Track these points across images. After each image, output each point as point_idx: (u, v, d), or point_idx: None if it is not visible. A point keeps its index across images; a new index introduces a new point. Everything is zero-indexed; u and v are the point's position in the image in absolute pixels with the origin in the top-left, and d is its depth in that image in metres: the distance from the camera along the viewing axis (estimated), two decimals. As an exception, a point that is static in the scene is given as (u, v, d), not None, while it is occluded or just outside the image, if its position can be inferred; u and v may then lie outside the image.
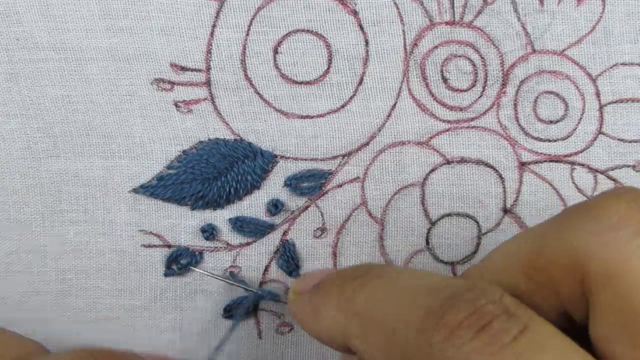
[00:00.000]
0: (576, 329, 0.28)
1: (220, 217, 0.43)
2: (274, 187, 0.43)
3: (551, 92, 0.42)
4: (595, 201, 0.28)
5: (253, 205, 0.43)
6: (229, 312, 0.44)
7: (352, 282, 0.32)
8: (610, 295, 0.27)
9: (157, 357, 0.44)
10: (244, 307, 0.43)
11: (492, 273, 0.31)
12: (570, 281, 0.28)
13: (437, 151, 0.42)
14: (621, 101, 0.42)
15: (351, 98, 0.42)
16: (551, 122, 0.42)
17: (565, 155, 0.42)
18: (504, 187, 0.42)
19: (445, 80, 0.42)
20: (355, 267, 0.33)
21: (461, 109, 0.42)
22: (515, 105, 0.42)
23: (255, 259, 0.43)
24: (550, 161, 0.42)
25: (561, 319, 0.29)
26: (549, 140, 0.42)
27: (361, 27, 0.41)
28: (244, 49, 0.41)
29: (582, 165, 0.42)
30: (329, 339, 0.32)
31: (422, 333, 0.28)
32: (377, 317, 0.30)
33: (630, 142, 0.42)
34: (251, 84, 0.41)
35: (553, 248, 0.28)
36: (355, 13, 0.41)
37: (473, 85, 0.42)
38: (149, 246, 0.43)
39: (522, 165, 0.42)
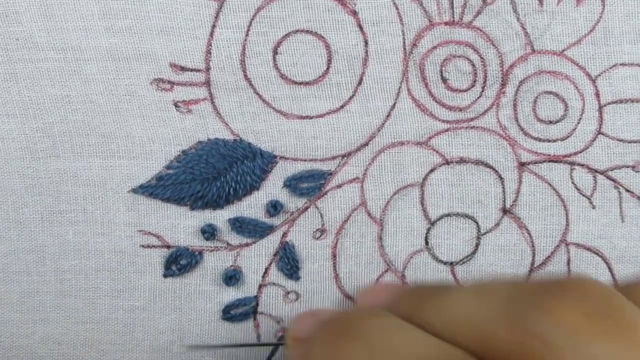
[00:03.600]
0: None
1: (220, 218, 0.43)
2: (273, 187, 0.43)
3: (551, 93, 0.42)
4: (547, 302, 0.29)
5: (252, 206, 0.43)
6: (228, 313, 0.43)
7: (337, 341, 0.32)
8: None
9: None
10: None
11: (449, 327, 0.31)
12: None
13: (437, 151, 0.42)
14: (621, 102, 0.41)
15: (350, 98, 0.42)
16: (551, 122, 0.42)
17: (565, 156, 0.42)
18: (503, 187, 0.42)
19: (444, 80, 0.42)
20: (340, 319, 0.33)
21: (460, 109, 0.42)
22: (515, 105, 0.42)
23: (255, 260, 0.43)
24: (550, 161, 0.42)
25: None
26: (549, 141, 0.42)
27: (360, 27, 0.41)
28: (244, 49, 0.41)
29: (582, 165, 0.42)
30: None
31: None
32: None
33: (629, 142, 0.42)
34: (251, 84, 0.41)
35: (503, 338, 0.29)
36: (354, 13, 0.41)
37: (472, 86, 0.42)
38: (148, 246, 0.43)
39: (522, 165, 0.42)
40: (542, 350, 0.28)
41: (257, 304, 0.44)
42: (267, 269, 0.43)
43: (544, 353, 0.28)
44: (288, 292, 0.44)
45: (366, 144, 0.42)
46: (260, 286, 0.43)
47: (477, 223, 0.43)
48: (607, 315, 0.28)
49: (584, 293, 0.29)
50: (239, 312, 0.44)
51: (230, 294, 0.43)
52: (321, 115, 0.42)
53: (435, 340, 0.31)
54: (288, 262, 0.43)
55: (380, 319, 0.33)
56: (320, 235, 0.43)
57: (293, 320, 0.38)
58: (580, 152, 0.42)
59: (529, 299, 0.29)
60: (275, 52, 0.41)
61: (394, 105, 0.42)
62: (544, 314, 0.28)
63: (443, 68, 0.41)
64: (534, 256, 0.43)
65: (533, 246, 0.43)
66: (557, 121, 0.42)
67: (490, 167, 0.42)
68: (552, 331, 0.28)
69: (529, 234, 0.43)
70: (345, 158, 0.42)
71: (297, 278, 0.43)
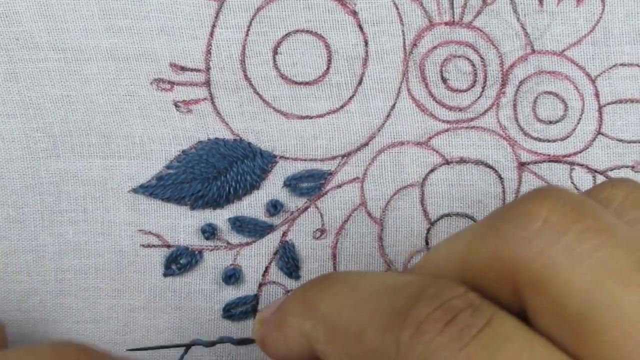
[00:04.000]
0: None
1: (220, 217, 0.43)
2: (273, 187, 0.43)
3: (550, 93, 0.42)
4: (521, 205, 0.28)
5: (252, 206, 0.43)
6: (228, 311, 0.44)
7: (314, 288, 0.31)
8: (542, 300, 0.27)
9: None
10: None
11: (434, 272, 0.30)
12: (504, 286, 0.28)
13: (437, 151, 0.42)
14: (620, 102, 0.42)
15: (350, 98, 0.42)
16: (550, 122, 0.42)
17: (565, 156, 0.42)
18: (503, 187, 0.42)
19: (444, 80, 0.42)
20: (316, 277, 0.33)
21: (460, 109, 0.42)
22: (515, 105, 0.42)
23: (255, 260, 0.43)
24: (550, 161, 0.42)
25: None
26: (548, 141, 0.42)
27: (360, 28, 0.41)
28: (244, 49, 0.41)
29: (581, 165, 0.42)
30: (298, 351, 0.32)
31: (388, 332, 0.28)
32: (342, 321, 0.30)
33: (629, 142, 0.42)
34: (251, 84, 0.42)
35: (482, 256, 0.28)
36: (354, 13, 0.41)
37: (472, 86, 0.42)
38: (148, 246, 0.43)
39: (522, 165, 0.42)
40: (533, 255, 0.27)
41: (257, 303, 0.44)
42: (267, 268, 0.43)
43: (536, 259, 0.27)
44: (288, 291, 0.44)
45: (366, 144, 0.42)
46: (260, 285, 0.44)
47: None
48: (587, 215, 0.27)
49: (559, 197, 0.28)
50: (239, 310, 0.44)
51: (231, 293, 0.44)
52: (321, 115, 0.42)
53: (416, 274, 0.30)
54: (288, 261, 0.43)
55: (355, 271, 0.32)
56: (321, 235, 0.43)
57: (259, 312, 0.38)
58: (580, 152, 0.42)
59: (508, 213, 0.28)
60: (275, 52, 0.41)
61: (394, 105, 0.42)
62: (528, 218, 0.27)
63: (443, 68, 0.42)
64: (533, 256, 0.43)
65: (533, 246, 0.43)
66: (557, 121, 0.42)
67: (490, 167, 0.42)
68: (539, 234, 0.27)
69: (528, 234, 0.43)
70: (345, 158, 0.42)
71: (297, 277, 0.43)
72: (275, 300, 0.35)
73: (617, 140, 0.42)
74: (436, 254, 0.31)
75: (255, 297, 0.44)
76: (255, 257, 0.43)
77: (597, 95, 0.42)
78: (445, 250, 0.30)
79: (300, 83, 0.42)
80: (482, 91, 0.42)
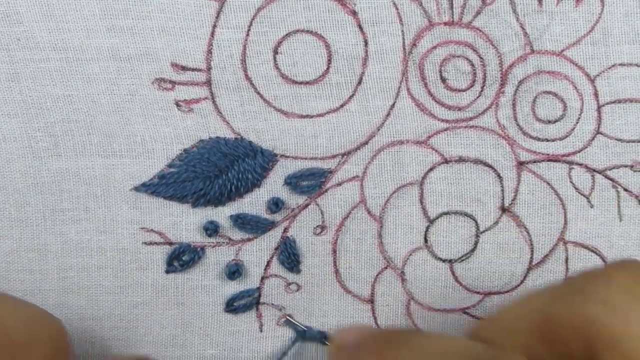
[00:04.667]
0: None
1: (222, 214, 0.43)
2: (274, 185, 0.43)
3: (550, 92, 0.42)
4: (606, 272, 0.31)
5: (254, 203, 0.43)
6: (231, 305, 0.44)
7: (387, 344, 0.34)
8: (615, 357, 0.29)
9: None
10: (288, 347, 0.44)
11: (505, 333, 0.33)
12: (580, 343, 0.30)
13: (436, 150, 0.42)
14: (619, 101, 0.42)
15: (350, 98, 0.42)
16: (549, 121, 0.42)
17: (563, 155, 0.42)
18: (502, 186, 0.43)
19: (443, 80, 0.42)
20: (390, 332, 0.35)
21: (460, 109, 0.42)
22: (514, 105, 0.42)
23: (257, 255, 0.44)
24: (549, 160, 0.42)
25: None
26: (547, 140, 0.42)
27: (360, 28, 0.41)
28: (245, 49, 0.41)
29: (580, 164, 0.42)
30: None
31: None
32: None
33: (628, 142, 0.42)
34: (251, 83, 0.42)
35: (564, 313, 0.31)
36: (354, 13, 0.41)
37: (472, 85, 0.42)
38: (151, 243, 0.43)
39: (520, 164, 0.42)
40: (613, 316, 0.30)
41: (259, 295, 0.44)
42: (268, 262, 0.44)
43: (616, 321, 0.30)
44: (289, 283, 0.44)
45: (366, 143, 0.43)
46: (262, 278, 0.44)
47: (476, 221, 0.43)
48: None
49: (632, 268, 0.31)
50: (242, 303, 0.44)
51: (233, 287, 0.44)
52: (321, 115, 0.42)
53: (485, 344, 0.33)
54: (289, 255, 0.44)
55: (428, 333, 0.36)
56: (321, 232, 0.44)
57: (337, 331, 0.39)
58: (579, 152, 0.42)
59: (594, 278, 0.31)
60: (275, 51, 0.41)
61: (394, 104, 0.42)
62: (613, 285, 0.30)
63: (442, 68, 0.42)
64: (532, 254, 0.43)
65: (531, 244, 0.43)
66: (556, 121, 0.42)
67: (489, 166, 0.43)
68: (622, 300, 0.30)
69: (527, 232, 0.43)
70: (345, 157, 0.43)
71: (298, 271, 0.44)
72: (351, 329, 0.37)
73: (616, 139, 0.42)
74: (507, 314, 0.33)
75: (258, 290, 0.44)
76: (257, 252, 0.44)
77: (596, 94, 0.42)
78: (519, 308, 0.33)
79: (301, 82, 0.42)
80: (481, 91, 0.42)
